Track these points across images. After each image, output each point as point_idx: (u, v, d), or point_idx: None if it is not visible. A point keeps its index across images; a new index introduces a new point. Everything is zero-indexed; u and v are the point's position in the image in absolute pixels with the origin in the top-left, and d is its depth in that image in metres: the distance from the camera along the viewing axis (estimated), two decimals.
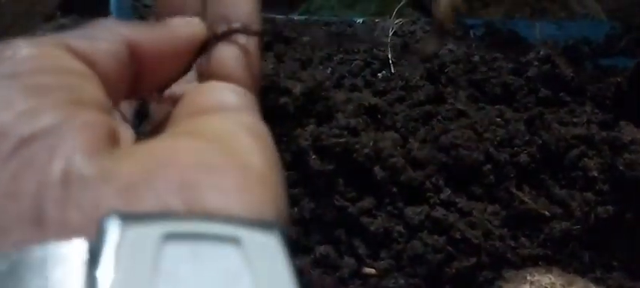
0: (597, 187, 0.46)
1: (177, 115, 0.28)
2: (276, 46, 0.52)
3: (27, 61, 0.22)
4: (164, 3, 0.34)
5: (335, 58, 0.52)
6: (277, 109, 0.46)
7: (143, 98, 0.31)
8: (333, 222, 0.47)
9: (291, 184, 0.47)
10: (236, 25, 0.29)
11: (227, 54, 0.29)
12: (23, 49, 0.22)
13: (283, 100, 0.46)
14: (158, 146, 0.24)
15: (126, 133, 0.31)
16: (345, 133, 0.46)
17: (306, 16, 0.55)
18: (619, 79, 0.49)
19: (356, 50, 0.53)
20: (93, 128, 0.21)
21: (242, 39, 0.29)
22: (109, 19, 0.27)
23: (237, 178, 0.22)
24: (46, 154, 0.19)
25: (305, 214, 0.47)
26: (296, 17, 0.55)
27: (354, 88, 0.50)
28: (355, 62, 0.52)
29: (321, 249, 0.47)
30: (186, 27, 0.29)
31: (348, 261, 0.47)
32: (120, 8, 0.52)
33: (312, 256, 0.47)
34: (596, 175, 0.46)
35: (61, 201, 0.18)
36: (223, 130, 0.25)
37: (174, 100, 0.30)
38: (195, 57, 0.30)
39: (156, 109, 0.32)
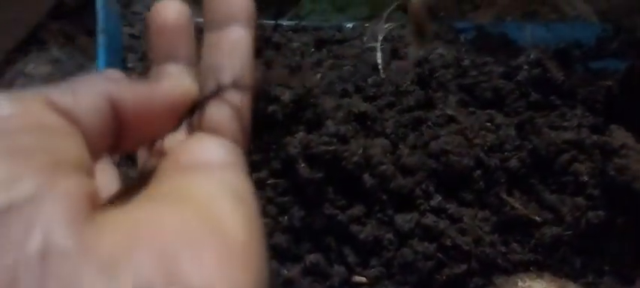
0: (588, 192, 0.46)
1: (163, 169, 0.28)
2: (266, 52, 0.52)
3: (9, 119, 0.21)
4: (156, 48, 0.34)
5: (325, 64, 0.52)
6: (266, 117, 0.46)
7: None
8: (322, 230, 0.47)
9: (280, 192, 0.47)
10: (226, 81, 0.28)
11: (216, 109, 0.29)
12: (4, 107, 0.22)
13: (272, 108, 0.46)
14: (139, 214, 0.23)
15: (111, 177, 0.32)
16: (335, 140, 0.45)
17: (296, 22, 0.55)
18: (610, 83, 0.49)
19: (346, 55, 0.52)
20: (73, 196, 0.20)
21: (233, 94, 0.29)
22: (94, 74, 0.27)
23: (218, 250, 0.22)
24: (23, 227, 0.19)
25: (295, 223, 0.47)
26: (285, 23, 0.54)
27: (344, 93, 0.50)
28: (345, 68, 0.51)
29: (311, 257, 0.47)
30: (176, 87, 0.29)
31: (338, 269, 0.47)
32: (108, 16, 0.51)
33: (302, 265, 0.47)
34: (586, 179, 0.46)
35: (39, 277, 0.18)
36: (207, 194, 0.25)
37: (163, 153, 0.31)
38: (185, 116, 0.29)
39: (144, 157, 0.33)
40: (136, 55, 0.53)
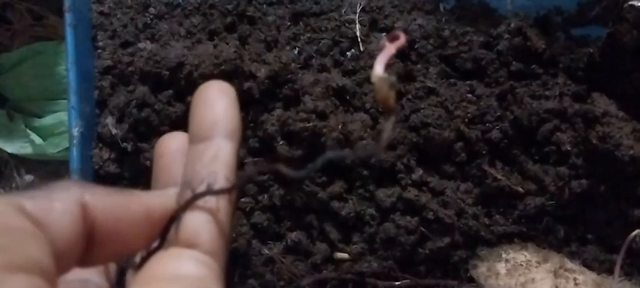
0: (571, 161, 0.46)
1: (136, 282, 0.27)
2: (240, 27, 0.50)
3: None
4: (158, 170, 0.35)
5: (302, 38, 0.50)
6: (242, 95, 0.44)
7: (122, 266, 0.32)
8: (303, 208, 0.46)
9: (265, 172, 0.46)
10: (200, 189, 0.28)
11: (191, 221, 0.29)
12: None
13: (248, 85, 0.45)
14: None
15: None
16: (313, 116, 0.44)
17: None
18: (591, 50, 0.48)
19: (323, 29, 0.51)
20: None
21: (211, 200, 0.28)
22: (69, 181, 0.28)
23: None
24: None
25: (275, 201, 0.46)
26: None
27: (322, 68, 0.49)
28: (323, 41, 0.50)
29: (293, 236, 0.46)
30: (154, 197, 0.29)
31: (321, 247, 0.46)
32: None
33: (284, 243, 0.46)
34: (569, 149, 0.45)
35: None
36: None
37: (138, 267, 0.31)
38: (164, 229, 0.29)
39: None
40: (105, 33, 0.51)
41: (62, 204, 0.25)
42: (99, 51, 0.51)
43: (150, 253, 0.30)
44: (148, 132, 0.47)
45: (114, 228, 0.27)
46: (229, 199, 0.30)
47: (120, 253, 0.29)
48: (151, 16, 0.52)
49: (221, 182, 0.29)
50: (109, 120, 0.48)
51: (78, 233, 0.26)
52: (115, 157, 0.49)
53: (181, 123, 0.45)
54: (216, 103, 0.31)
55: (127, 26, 0.52)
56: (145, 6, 0.53)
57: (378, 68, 0.26)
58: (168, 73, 0.45)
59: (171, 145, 0.35)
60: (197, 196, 0.28)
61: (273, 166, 0.28)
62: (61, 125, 0.63)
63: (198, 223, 0.28)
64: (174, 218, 0.29)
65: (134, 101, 0.46)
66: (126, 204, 0.28)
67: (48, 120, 0.64)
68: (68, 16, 0.49)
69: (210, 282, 0.28)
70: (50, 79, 0.61)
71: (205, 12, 0.51)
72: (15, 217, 0.23)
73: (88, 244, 0.27)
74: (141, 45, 0.50)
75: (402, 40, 0.29)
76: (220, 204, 0.29)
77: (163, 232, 0.29)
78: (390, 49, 0.28)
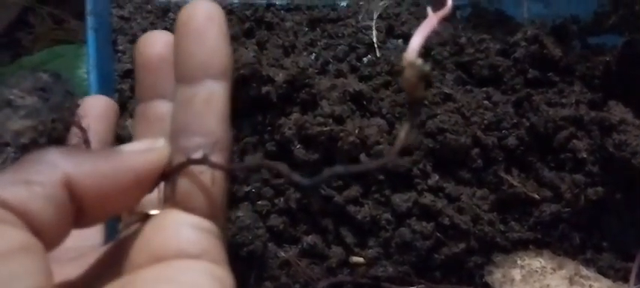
0: (587, 169, 0.46)
1: (138, 252, 0.27)
2: (258, 32, 0.51)
3: None
4: (141, 84, 0.34)
5: (319, 44, 0.51)
6: (260, 99, 0.45)
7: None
8: (319, 211, 0.46)
9: (276, 174, 0.46)
10: (193, 141, 0.27)
11: (186, 181, 0.28)
12: None
13: (266, 89, 0.45)
14: None
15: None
16: (330, 121, 0.45)
17: (289, 1, 0.54)
18: (608, 58, 0.48)
19: (340, 35, 0.51)
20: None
21: (206, 160, 0.27)
22: (48, 152, 0.26)
23: None
24: None
25: (291, 205, 0.46)
26: (278, 2, 0.53)
27: (338, 74, 0.49)
28: (340, 47, 0.51)
29: (309, 239, 0.46)
30: (143, 155, 0.28)
31: (336, 250, 0.46)
32: None
33: (300, 247, 0.46)
34: (585, 156, 0.46)
35: None
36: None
37: (142, 217, 0.30)
38: (154, 185, 0.28)
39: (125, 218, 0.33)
40: (125, 38, 0.52)
41: (44, 189, 0.24)
42: (119, 54, 0.52)
43: (146, 215, 0.30)
44: None
45: (103, 197, 0.26)
46: (227, 161, 0.29)
47: (111, 215, 0.28)
48: (171, 21, 0.53)
49: (214, 134, 0.28)
50: (129, 122, 0.49)
51: (64, 213, 0.25)
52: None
53: None
54: (206, 37, 0.28)
55: (146, 31, 0.52)
56: (165, 11, 0.53)
57: (413, 49, 0.24)
58: None
59: (154, 50, 0.32)
60: (191, 162, 0.27)
61: (280, 168, 0.27)
62: None
63: (194, 187, 0.27)
64: (167, 177, 0.28)
65: None
66: (113, 173, 0.26)
67: None
68: (90, 20, 0.50)
69: (215, 256, 0.28)
70: (71, 81, 0.61)
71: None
72: None
73: (78, 213, 0.26)
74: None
75: (449, 5, 0.27)
76: (216, 173, 0.28)
77: (151, 189, 0.28)
78: (431, 22, 0.25)
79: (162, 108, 0.32)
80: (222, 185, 0.29)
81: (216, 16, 0.28)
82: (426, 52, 0.49)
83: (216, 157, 0.28)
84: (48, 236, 0.24)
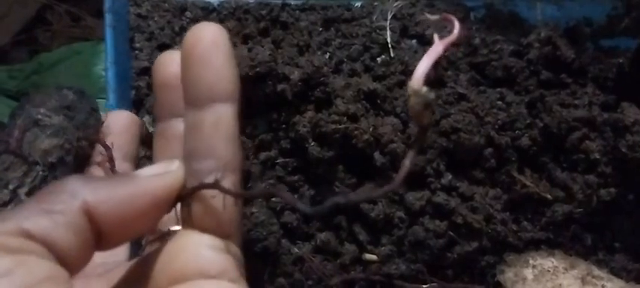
0: (599, 170, 0.46)
1: (161, 273, 0.28)
2: (274, 32, 0.51)
3: None
4: (160, 103, 0.35)
5: (333, 43, 0.52)
6: (275, 96, 0.45)
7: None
8: (333, 208, 0.47)
9: (290, 171, 0.47)
10: (204, 165, 0.28)
11: (201, 205, 0.28)
12: None
13: (281, 87, 0.46)
14: None
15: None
16: (345, 119, 0.45)
17: (304, 1, 0.54)
18: (621, 60, 0.49)
19: (354, 34, 0.52)
20: None
21: (219, 183, 0.28)
22: (68, 181, 0.26)
23: None
24: None
25: (305, 201, 0.47)
26: (293, 2, 0.54)
27: (353, 73, 0.50)
28: (354, 47, 0.51)
29: (322, 236, 0.47)
30: (159, 179, 0.28)
31: (349, 247, 0.47)
32: None
33: (313, 243, 0.47)
34: (598, 157, 0.46)
35: None
36: None
37: (165, 233, 0.31)
38: (170, 207, 0.29)
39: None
40: (142, 35, 0.53)
41: (64, 217, 0.25)
42: (136, 52, 0.53)
43: (168, 231, 0.31)
44: None
45: (122, 222, 0.27)
46: (238, 180, 0.29)
47: (132, 237, 0.29)
48: (188, 20, 0.54)
49: (224, 157, 0.28)
50: (146, 119, 0.49)
51: (85, 240, 0.26)
52: (150, 154, 0.50)
53: None
54: (211, 61, 0.28)
55: (164, 29, 0.53)
56: (182, 10, 0.54)
57: (418, 77, 0.24)
58: None
59: (172, 70, 0.33)
60: (203, 187, 0.28)
61: (285, 196, 0.28)
62: None
63: (207, 208, 0.28)
64: (182, 199, 0.29)
65: None
66: (130, 198, 0.27)
67: None
68: (108, 17, 0.51)
69: (233, 275, 0.28)
70: (88, 78, 0.62)
71: (240, 17, 0.53)
72: (18, 241, 0.23)
73: (98, 238, 0.27)
74: (177, 48, 0.51)
75: (455, 32, 0.26)
76: (229, 186, 0.28)
77: (168, 211, 0.29)
78: (437, 49, 0.25)
79: (180, 127, 0.32)
80: (239, 205, 0.30)
81: (221, 40, 0.29)
82: None
83: (227, 178, 0.28)
84: (71, 263, 0.25)
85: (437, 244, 0.45)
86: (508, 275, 0.46)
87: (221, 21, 0.53)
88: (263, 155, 0.47)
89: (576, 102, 0.48)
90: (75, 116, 0.42)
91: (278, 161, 0.47)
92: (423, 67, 0.24)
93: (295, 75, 0.46)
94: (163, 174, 0.29)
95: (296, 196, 0.47)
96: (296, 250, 0.47)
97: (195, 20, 0.53)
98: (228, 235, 0.29)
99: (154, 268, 0.29)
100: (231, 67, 0.29)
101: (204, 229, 0.29)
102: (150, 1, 0.55)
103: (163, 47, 0.52)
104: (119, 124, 0.43)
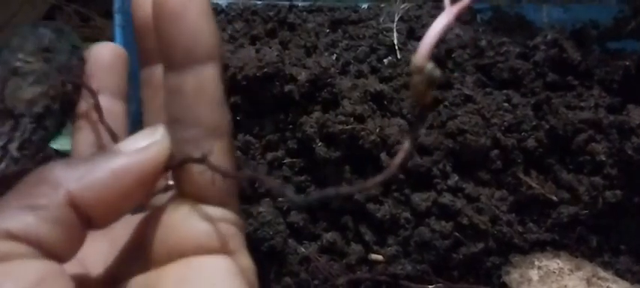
0: (605, 172, 0.46)
1: (160, 245, 0.27)
2: (281, 33, 0.52)
3: None
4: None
5: (340, 45, 0.52)
6: (283, 97, 0.46)
7: None
8: (339, 209, 0.47)
9: (297, 171, 0.47)
10: (195, 148, 0.27)
11: (195, 177, 0.27)
12: None
13: (288, 87, 0.46)
14: None
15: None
16: (351, 120, 0.46)
17: (311, 2, 0.55)
18: (627, 63, 0.49)
19: (361, 36, 0.52)
20: None
21: (207, 148, 0.26)
22: (50, 169, 0.25)
23: None
24: None
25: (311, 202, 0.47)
26: (300, 3, 0.54)
27: (359, 74, 0.50)
28: (361, 48, 0.51)
29: (328, 236, 0.47)
30: (143, 154, 0.27)
31: (355, 247, 0.47)
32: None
33: (319, 243, 0.47)
34: (603, 159, 0.46)
35: None
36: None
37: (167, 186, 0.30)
38: (158, 179, 0.28)
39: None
40: None
41: (49, 212, 0.24)
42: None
43: (155, 208, 0.30)
44: None
45: (109, 205, 0.26)
46: (227, 145, 0.28)
47: (122, 215, 0.28)
48: None
49: (210, 123, 0.27)
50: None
51: (73, 230, 0.25)
52: None
53: None
54: (186, 19, 0.25)
55: None
56: None
57: (422, 53, 0.21)
58: None
59: (150, 11, 0.29)
60: (190, 160, 0.26)
61: (273, 184, 0.27)
62: None
63: (200, 176, 0.27)
64: (170, 170, 0.28)
65: None
66: (115, 180, 0.26)
67: None
68: (117, 18, 0.51)
69: (234, 247, 0.28)
70: (74, 34, 0.62)
71: (248, 18, 0.53)
72: (3, 246, 0.23)
73: (87, 223, 0.26)
74: None
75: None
76: (218, 157, 0.27)
77: (157, 181, 0.28)
78: (448, 17, 0.22)
79: (136, 148, 0.30)
80: (230, 158, 0.28)
81: None
82: (446, 54, 0.50)
83: (216, 145, 0.27)
84: (62, 253, 0.25)
85: (443, 244, 0.46)
86: (513, 276, 0.46)
87: (229, 22, 0.53)
88: (270, 155, 0.47)
89: (582, 104, 0.48)
90: (55, 57, 0.38)
91: (285, 161, 0.47)
92: (430, 39, 0.21)
93: (302, 76, 0.46)
94: (148, 147, 0.27)
95: (302, 196, 0.47)
96: (302, 249, 0.47)
97: None
98: (224, 202, 0.28)
99: (154, 240, 0.28)
100: (209, 22, 0.26)
101: (198, 199, 0.28)
102: None
103: None
104: (104, 61, 0.39)
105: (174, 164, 0.28)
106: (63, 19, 0.62)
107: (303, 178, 0.47)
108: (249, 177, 0.27)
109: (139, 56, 0.34)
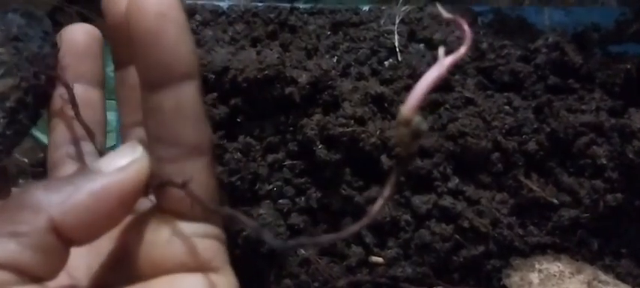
0: (606, 175, 0.46)
1: (143, 260, 0.27)
2: (282, 35, 0.52)
3: None
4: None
5: (341, 47, 0.52)
6: (283, 99, 0.46)
7: None
8: (340, 211, 0.47)
9: (297, 173, 0.47)
10: (176, 168, 0.26)
11: (176, 195, 0.27)
12: None
13: (289, 89, 0.46)
14: None
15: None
16: (352, 122, 0.46)
17: (312, 5, 0.55)
18: (628, 66, 0.48)
19: (362, 38, 0.52)
20: None
21: (190, 166, 0.26)
22: (30, 192, 0.25)
23: None
24: None
25: (312, 204, 0.47)
26: (301, 5, 0.54)
27: (360, 76, 0.50)
28: (361, 51, 0.51)
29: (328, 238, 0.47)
30: (123, 174, 0.26)
31: (356, 250, 0.47)
32: None
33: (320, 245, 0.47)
34: (605, 162, 0.46)
35: None
36: None
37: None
38: (139, 198, 0.28)
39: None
40: None
41: (31, 239, 0.24)
42: None
43: (138, 222, 0.29)
44: None
45: (90, 227, 0.26)
46: (208, 162, 0.27)
47: (104, 233, 0.27)
48: (197, 23, 0.54)
49: (191, 142, 0.26)
50: None
51: (55, 253, 0.25)
52: None
53: (225, 124, 0.46)
54: (162, 38, 0.24)
55: None
56: (191, 13, 0.55)
57: (410, 105, 0.21)
58: (214, 76, 0.47)
59: (122, 10, 0.28)
60: (170, 184, 0.26)
61: (249, 223, 0.24)
62: (108, 125, 0.65)
63: (181, 195, 0.26)
64: (149, 185, 0.27)
65: None
66: (96, 202, 0.25)
67: None
68: None
69: (215, 262, 0.28)
70: (46, 19, 0.61)
71: (248, 20, 0.53)
72: None
73: (69, 243, 0.26)
74: None
75: (462, 50, 0.23)
76: (200, 169, 0.27)
77: (138, 199, 0.28)
78: (440, 69, 0.23)
79: (116, 169, 0.29)
80: (212, 188, 0.28)
81: (167, 7, 0.24)
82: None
83: (197, 163, 0.27)
84: (45, 275, 0.25)
85: (443, 247, 0.46)
86: (514, 279, 0.46)
87: (230, 24, 0.53)
88: (270, 158, 0.47)
89: (583, 107, 0.48)
90: (26, 46, 0.36)
91: (285, 164, 0.47)
92: (420, 91, 0.21)
93: (303, 78, 0.46)
94: (128, 167, 0.27)
95: (303, 198, 0.47)
96: (302, 251, 0.47)
97: (205, 23, 0.54)
98: (207, 218, 0.28)
99: (138, 256, 0.28)
100: (187, 39, 0.25)
101: (180, 216, 0.28)
102: None
103: None
104: (78, 45, 0.36)
105: (155, 186, 0.27)
106: (65, 21, 0.62)
107: (303, 180, 0.47)
108: (228, 214, 0.26)
109: (112, 57, 0.33)
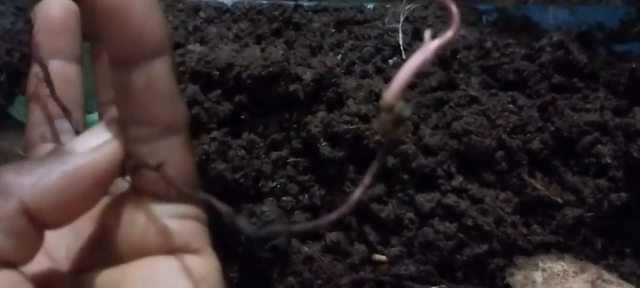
0: (610, 174, 0.46)
1: (122, 242, 0.27)
2: (286, 32, 0.52)
3: None
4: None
5: (345, 45, 0.52)
6: (287, 96, 0.46)
7: None
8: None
9: (301, 171, 0.47)
10: (150, 148, 0.26)
11: (151, 178, 0.26)
12: None
13: (293, 87, 0.46)
14: None
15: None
16: (356, 119, 0.46)
17: (316, 2, 0.55)
18: (633, 65, 0.48)
19: (367, 36, 0.52)
20: None
21: (165, 150, 0.26)
22: (1, 175, 0.24)
23: None
24: None
25: (315, 201, 0.47)
26: (306, 3, 0.54)
27: (364, 74, 0.50)
28: (366, 49, 0.51)
29: (332, 236, 0.47)
30: (97, 155, 0.26)
31: (359, 248, 0.47)
32: None
33: (323, 243, 0.47)
34: (609, 161, 0.46)
35: None
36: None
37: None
38: (114, 179, 0.27)
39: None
40: None
41: (2, 224, 0.23)
42: None
43: (116, 203, 0.29)
44: (197, 128, 0.48)
45: (64, 210, 0.25)
46: (184, 140, 0.27)
47: (79, 216, 0.27)
48: (201, 20, 0.54)
49: (164, 120, 0.26)
50: None
51: (28, 237, 0.24)
52: None
53: (229, 121, 0.46)
54: (131, 14, 0.23)
55: (178, 29, 0.54)
56: (196, 10, 0.55)
57: (393, 91, 0.21)
58: (218, 73, 0.47)
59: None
60: (144, 166, 0.26)
61: (226, 213, 0.24)
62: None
63: (158, 176, 0.26)
64: (125, 166, 0.27)
65: (185, 99, 0.48)
66: (69, 185, 0.25)
67: (96, 116, 0.66)
68: None
69: (201, 247, 0.28)
70: None
71: (253, 17, 0.53)
72: None
73: (43, 226, 0.25)
74: (191, 47, 0.52)
75: (449, 33, 0.22)
76: (175, 155, 0.26)
77: (114, 180, 0.27)
78: (425, 54, 0.22)
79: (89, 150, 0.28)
80: (189, 167, 0.28)
81: None
82: (451, 55, 0.50)
83: (173, 140, 0.26)
84: (20, 259, 0.25)
85: (447, 245, 0.46)
86: (517, 278, 0.46)
87: (234, 21, 0.53)
88: (274, 154, 0.47)
89: (588, 106, 0.48)
90: None
91: (289, 161, 0.47)
92: (404, 77, 0.21)
93: (307, 75, 0.46)
94: (102, 146, 0.26)
95: (306, 195, 0.47)
96: (306, 249, 0.47)
97: (209, 20, 0.54)
98: (185, 199, 0.28)
99: (116, 237, 0.27)
100: (156, 14, 0.24)
101: (158, 198, 0.27)
102: (164, 1, 0.55)
103: (177, 46, 0.52)
104: (54, 20, 0.35)
105: (129, 168, 0.27)
106: None
107: (307, 177, 0.47)
108: (202, 198, 0.25)
109: (86, 30, 0.33)
